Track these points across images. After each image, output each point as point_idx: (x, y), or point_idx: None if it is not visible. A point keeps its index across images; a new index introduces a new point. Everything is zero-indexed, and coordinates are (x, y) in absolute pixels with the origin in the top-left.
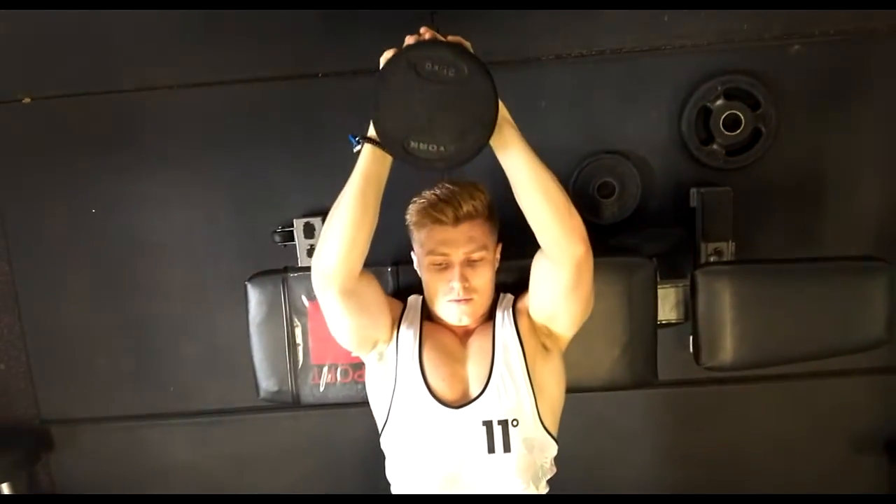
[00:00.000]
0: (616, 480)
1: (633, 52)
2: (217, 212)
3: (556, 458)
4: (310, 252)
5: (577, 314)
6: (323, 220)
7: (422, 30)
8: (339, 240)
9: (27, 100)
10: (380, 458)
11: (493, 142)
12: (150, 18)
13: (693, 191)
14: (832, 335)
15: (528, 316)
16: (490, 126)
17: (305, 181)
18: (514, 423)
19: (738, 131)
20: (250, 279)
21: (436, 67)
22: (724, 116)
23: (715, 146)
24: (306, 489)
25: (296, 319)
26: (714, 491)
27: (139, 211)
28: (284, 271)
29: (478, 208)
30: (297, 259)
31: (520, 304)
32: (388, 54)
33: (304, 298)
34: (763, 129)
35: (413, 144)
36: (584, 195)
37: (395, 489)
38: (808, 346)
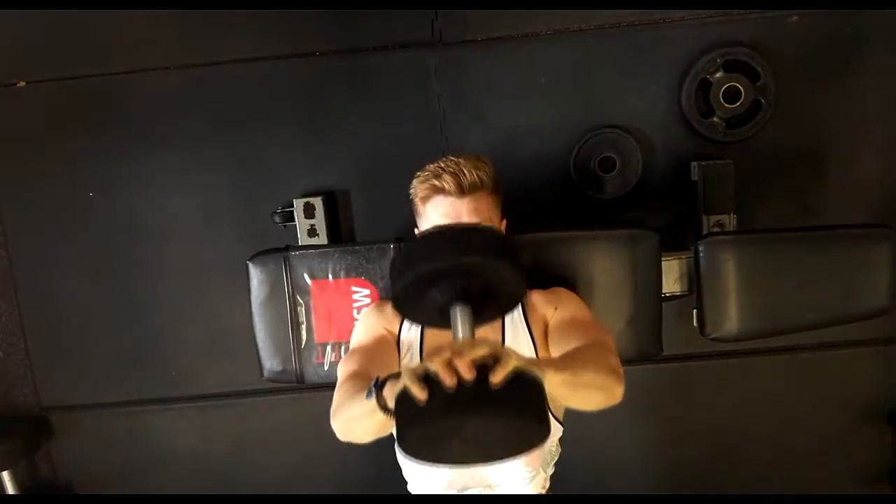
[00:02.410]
0: (620, 458)
1: (632, 25)
2: (216, 193)
3: (560, 439)
4: (310, 232)
5: None
6: (323, 201)
7: (455, 360)
8: (359, 440)
9: (22, 83)
10: (385, 440)
11: None
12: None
13: (694, 164)
14: (836, 303)
15: (540, 315)
16: (529, 449)
17: (305, 161)
18: None
19: (738, 103)
20: (252, 258)
21: (479, 433)
22: (723, 89)
23: (715, 119)
24: (310, 472)
25: (298, 298)
26: (716, 464)
27: (137, 194)
28: (286, 250)
29: (483, 179)
30: (297, 240)
31: (533, 301)
32: (407, 386)
33: (306, 277)
34: (763, 100)
35: (447, 458)
36: (585, 170)
37: (407, 473)
38: (812, 315)
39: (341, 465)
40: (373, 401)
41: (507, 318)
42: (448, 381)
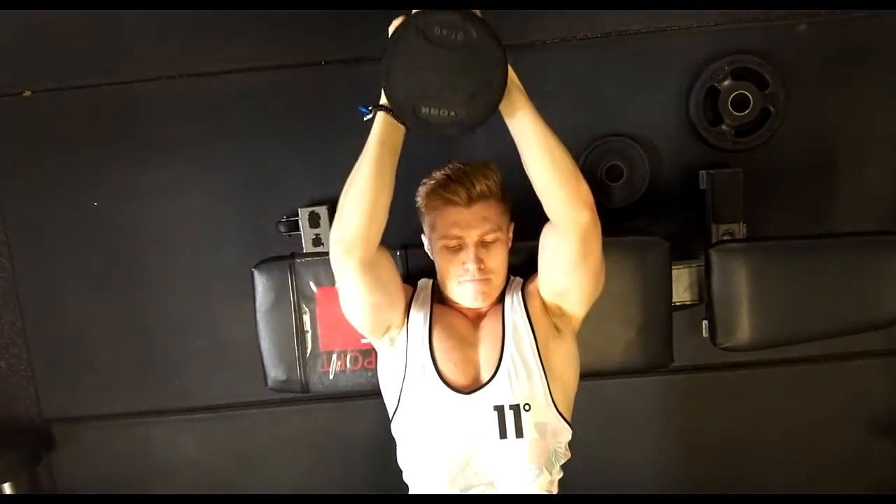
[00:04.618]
0: (629, 468)
1: (639, 33)
2: (221, 203)
3: (569, 445)
4: (315, 241)
5: (588, 289)
6: (329, 210)
7: None
8: (359, 207)
9: (27, 93)
10: (390, 451)
11: (501, 107)
12: (150, 8)
13: (702, 173)
14: (849, 312)
15: (539, 297)
16: (500, 88)
17: (309, 170)
18: (527, 407)
19: (747, 111)
20: (257, 266)
21: (444, 32)
22: (732, 97)
23: (723, 127)
24: (315, 484)
25: (304, 306)
26: (727, 477)
27: (142, 204)
28: (291, 257)
29: (491, 188)
30: (302, 250)
31: (530, 286)
32: (396, 21)
33: (311, 284)
34: (771, 108)
35: (424, 110)
36: (592, 179)
37: (407, 475)
38: (825, 324)
39: (345, 478)
40: (371, 115)
41: (507, 303)
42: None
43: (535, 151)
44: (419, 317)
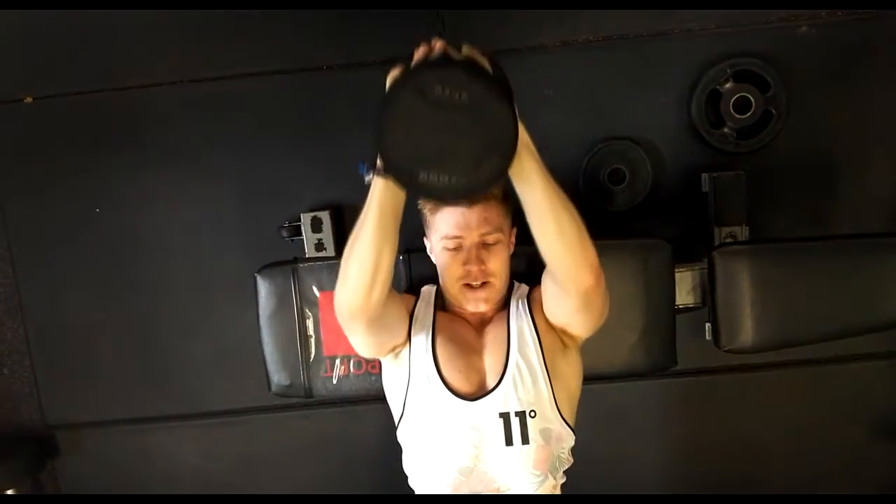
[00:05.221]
0: (632, 472)
1: (640, 36)
2: (223, 208)
3: (571, 450)
4: (317, 246)
5: (591, 325)
6: (330, 215)
7: (433, 42)
8: (362, 276)
9: (29, 99)
10: (395, 457)
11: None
12: (151, 14)
13: (704, 175)
14: (853, 314)
15: (544, 310)
16: (509, 155)
17: (311, 175)
18: (532, 414)
19: (749, 114)
20: (260, 271)
21: (447, 92)
22: (733, 99)
23: (725, 129)
24: (319, 490)
25: (307, 311)
26: (730, 480)
27: (144, 210)
28: (294, 262)
29: (492, 190)
30: (304, 255)
31: (535, 294)
32: (393, 74)
33: (314, 289)
34: (773, 111)
35: (423, 176)
36: (594, 182)
37: (412, 481)
38: (828, 326)
39: (349, 483)
40: (369, 177)
41: (513, 309)
42: (419, 52)
43: (542, 220)
44: (422, 325)
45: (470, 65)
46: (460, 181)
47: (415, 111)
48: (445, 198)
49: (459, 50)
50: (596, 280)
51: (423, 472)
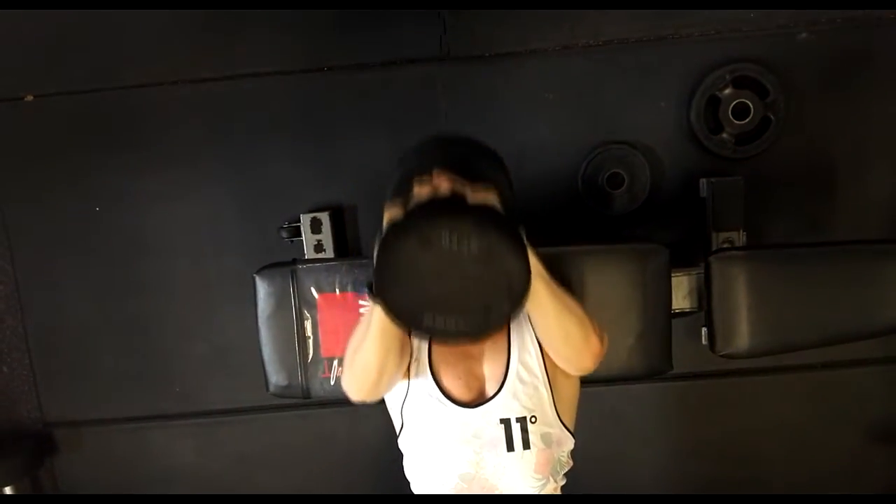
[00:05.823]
0: (630, 475)
1: (640, 41)
2: (222, 208)
3: (571, 453)
4: (317, 247)
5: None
6: (330, 216)
7: (435, 180)
8: (367, 376)
9: (29, 98)
10: (392, 455)
11: None
12: (151, 14)
13: (703, 181)
14: (849, 320)
15: None
16: (520, 302)
17: (311, 176)
18: (533, 419)
19: (748, 120)
20: (258, 272)
21: (454, 241)
22: (732, 105)
23: (724, 135)
24: (316, 490)
25: (305, 312)
26: (727, 484)
27: (143, 209)
28: (293, 263)
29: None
30: (304, 255)
31: None
32: (393, 212)
33: (313, 290)
34: (772, 117)
35: (428, 320)
36: (593, 186)
37: (414, 487)
38: (824, 332)
39: (347, 483)
40: (370, 303)
41: (514, 321)
42: (423, 191)
43: (549, 331)
44: (419, 338)
45: (479, 211)
46: (468, 326)
47: (419, 260)
48: (450, 340)
49: (464, 184)
50: (594, 362)
51: (424, 479)
